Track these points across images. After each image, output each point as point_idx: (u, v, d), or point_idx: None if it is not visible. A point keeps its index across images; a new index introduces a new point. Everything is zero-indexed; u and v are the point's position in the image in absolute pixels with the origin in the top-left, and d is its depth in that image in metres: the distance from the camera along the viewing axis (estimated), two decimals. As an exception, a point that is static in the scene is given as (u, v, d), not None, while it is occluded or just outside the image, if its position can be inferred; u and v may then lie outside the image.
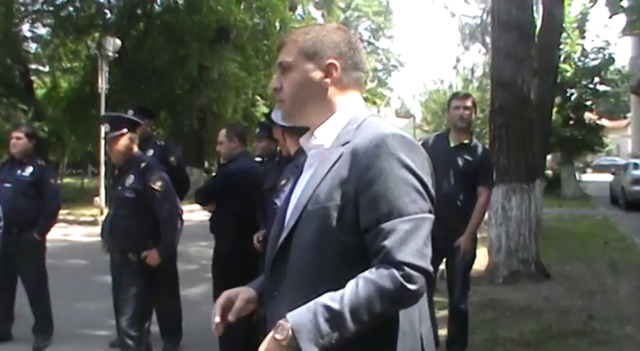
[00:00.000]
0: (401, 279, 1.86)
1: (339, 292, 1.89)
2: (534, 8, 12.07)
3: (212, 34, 25.15)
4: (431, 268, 1.92)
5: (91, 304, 7.92)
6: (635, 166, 22.83)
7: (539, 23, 14.74)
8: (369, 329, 1.90)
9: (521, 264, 9.63)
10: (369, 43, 51.56)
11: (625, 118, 57.43)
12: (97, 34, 26.49)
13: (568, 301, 8.29)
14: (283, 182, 4.39)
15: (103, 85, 22.02)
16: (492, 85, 10.39)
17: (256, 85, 28.16)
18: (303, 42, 2.22)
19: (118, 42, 22.87)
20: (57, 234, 13.18)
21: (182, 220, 6.11)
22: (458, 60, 64.07)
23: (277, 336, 1.88)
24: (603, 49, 27.95)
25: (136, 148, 5.43)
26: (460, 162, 6.01)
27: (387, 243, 1.90)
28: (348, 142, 2.09)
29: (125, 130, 5.31)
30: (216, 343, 6.04)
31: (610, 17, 5.72)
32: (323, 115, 2.24)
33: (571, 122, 27.68)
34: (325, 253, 2.01)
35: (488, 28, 20.53)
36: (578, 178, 29.71)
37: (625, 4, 5.53)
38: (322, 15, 39.17)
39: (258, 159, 6.63)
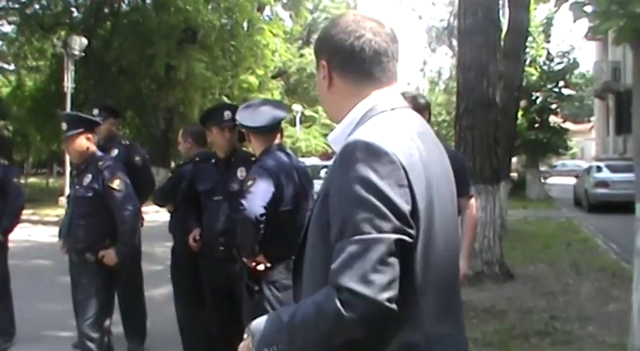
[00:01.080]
0: (337, 303, 1.65)
1: (298, 304, 1.84)
2: (500, 12, 12.19)
3: (179, 34, 25.03)
4: (382, 296, 1.64)
5: (54, 305, 7.84)
6: (599, 169, 23.11)
7: (505, 27, 14.90)
8: None
9: (486, 265, 9.71)
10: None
11: (589, 121, 58.15)
12: (63, 33, 26.30)
13: (531, 302, 8.39)
14: (250, 183, 4.39)
15: (68, 84, 21.88)
16: (458, 87, 10.47)
17: (223, 85, 28.08)
18: (315, 41, 2.15)
19: (85, 41, 22.71)
20: (21, 234, 13.04)
21: (142, 219, 6.09)
22: (425, 63, 64.66)
23: (244, 336, 1.90)
24: (568, 53, 28.32)
25: (93, 148, 5.38)
26: None
27: (333, 265, 1.70)
28: None
29: (82, 129, 5.27)
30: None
31: (574, 22, 5.76)
32: (339, 116, 2.06)
33: (536, 125, 27.95)
34: (318, 265, 1.88)
35: (454, 31, 20.69)
36: (542, 180, 29.99)
37: (588, 9, 5.60)
38: (290, 16, 39.17)
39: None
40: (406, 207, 1.74)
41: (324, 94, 2.08)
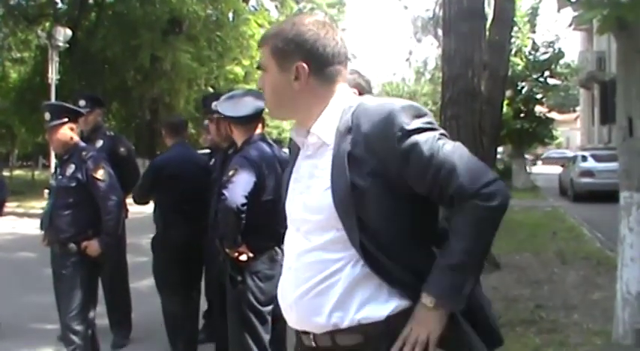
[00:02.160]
0: (485, 203, 2.07)
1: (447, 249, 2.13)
2: (486, 2, 12.18)
3: (164, 25, 24.94)
4: (494, 175, 2.13)
5: (39, 297, 7.80)
6: (584, 158, 23.19)
7: (490, 17, 14.90)
8: None
9: (472, 255, 9.71)
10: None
11: (574, 111, 58.44)
12: (47, 24, 26.15)
13: (517, 291, 8.42)
14: (231, 173, 4.39)
15: (53, 75, 21.76)
16: (443, 77, 10.46)
17: (209, 76, 28.01)
18: (273, 44, 2.26)
19: (69, 32, 22.59)
20: (6, 227, 12.99)
21: (127, 211, 6.07)
22: (410, 53, 64.75)
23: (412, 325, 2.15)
24: (553, 43, 28.37)
25: (77, 138, 5.35)
26: None
27: (456, 183, 2.08)
28: (351, 129, 2.16)
29: (65, 120, 5.24)
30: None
31: (558, 11, 5.76)
32: (308, 112, 2.27)
33: (522, 115, 28.02)
34: (392, 209, 2.15)
35: (440, 21, 20.68)
36: (528, 170, 30.09)
37: (573, -3, 5.62)
38: (276, 6, 39.03)
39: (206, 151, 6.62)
40: None
41: (291, 94, 2.25)
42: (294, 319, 2.29)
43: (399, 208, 2.14)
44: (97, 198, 5.17)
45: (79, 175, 5.14)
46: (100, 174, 5.19)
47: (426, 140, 2.10)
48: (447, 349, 2.17)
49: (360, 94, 3.17)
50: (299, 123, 2.34)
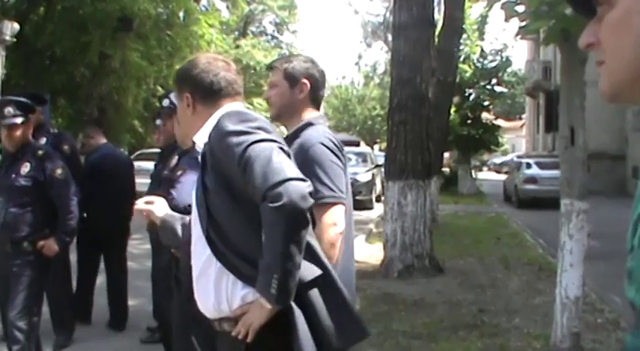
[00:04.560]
0: (269, 205, 2.19)
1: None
2: (436, 9, 12.34)
3: (114, 22, 24.66)
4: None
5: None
6: (528, 165, 23.53)
7: (439, 24, 15.08)
8: None
9: (416, 258, 9.82)
10: (273, 37, 51.51)
11: (520, 118, 59.25)
12: (-7, 18, 25.64)
13: (460, 295, 8.53)
14: (179, 173, 4.39)
15: (-1, 70, 21.35)
16: (392, 82, 10.55)
17: (158, 75, 27.73)
18: (177, 77, 2.97)
19: (16, 26, 22.15)
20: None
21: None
22: (360, 57, 65.00)
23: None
24: (501, 51, 28.82)
25: (28, 136, 5.29)
26: None
27: (251, 190, 2.29)
28: (210, 136, 2.59)
29: (30, 116, 5.19)
30: (111, 337, 5.98)
31: (506, 21, 5.87)
32: (195, 133, 2.76)
33: (469, 121, 28.32)
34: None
35: (390, 26, 20.86)
36: (474, 176, 30.43)
37: (520, 8, 5.72)
38: (227, 7, 38.88)
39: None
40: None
41: (187, 118, 2.76)
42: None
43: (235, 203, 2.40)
44: (55, 197, 5.13)
45: (36, 174, 5.07)
46: (58, 173, 5.16)
47: (242, 142, 2.32)
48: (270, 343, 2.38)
49: (312, 86, 3.23)
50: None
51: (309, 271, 2.34)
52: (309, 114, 3.25)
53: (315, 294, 2.36)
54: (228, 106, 2.66)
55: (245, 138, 2.34)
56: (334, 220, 2.85)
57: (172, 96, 5.43)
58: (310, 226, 2.33)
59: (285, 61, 3.36)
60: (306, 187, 2.23)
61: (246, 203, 2.31)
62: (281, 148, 2.35)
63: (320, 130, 3.12)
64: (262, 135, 2.37)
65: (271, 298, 2.24)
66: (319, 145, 2.98)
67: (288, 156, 2.40)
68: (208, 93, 2.68)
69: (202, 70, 2.69)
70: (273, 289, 2.21)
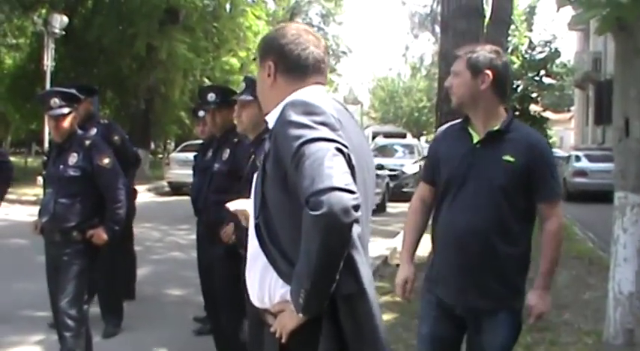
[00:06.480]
0: (309, 212, 2.04)
1: None
2: (484, 0, 12.19)
3: (161, 15, 24.84)
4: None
5: (32, 284, 7.76)
6: (577, 158, 23.22)
7: (488, 14, 14.90)
8: None
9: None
10: (319, 29, 51.50)
11: (569, 111, 58.41)
12: (43, 11, 25.98)
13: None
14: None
15: (48, 62, 21.67)
16: (440, 74, 10.45)
17: (204, 67, 27.96)
18: (261, 45, 2.66)
19: (65, 19, 22.48)
20: (-2, 213, 12.95)
21: (136, 196, 6.05)
22: (407, 48, 64.76)
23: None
24: (550, 42, 28.36)
25: (76, 126, 5.32)
26: (493, 167, 3.39)
27: (299, 191, 2.13)
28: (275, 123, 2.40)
29: (75, 107, 5.22)
30: (156, 324, 6.02)
31: (557, 10, 5.75)
32: (273, 108, 2.52)
33: (517, 113, 28.00)
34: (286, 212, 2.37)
35: (437, 17, 20.69)
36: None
37: (573, -4, 5.62)
38: (274, -1, 39.01)
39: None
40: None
41: (266, 89, 2.55)
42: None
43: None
44: (103, 187, 5.16)
45: (84, 164, 5.11)
46: (105, 162, 5.18)
47: (300, 135, 2.17)
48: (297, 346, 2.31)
49: (495, 77, 3.29)
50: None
51: (345, 285, 2.19)
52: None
53: (347, 310, 2.24)
54: (308, 89, 2.46)
55: (304, 132, 2.16)
56: None
57: (216, 91, 5.50)
58: (354, 240, 2.18)
59: (470, 50, 3.33)
60: (352, 199, 2.03)
61: (297, 199, 2.15)
62: (340, 151, 2.16)
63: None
64: (324, 132, 2.18)
65: (299, 308, 2.17)
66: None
67: (348, 161, 2.18)
68: (293, 67, 2.49)
69: (291, 41, 2.50)
70: (301, 299, 2.14)
